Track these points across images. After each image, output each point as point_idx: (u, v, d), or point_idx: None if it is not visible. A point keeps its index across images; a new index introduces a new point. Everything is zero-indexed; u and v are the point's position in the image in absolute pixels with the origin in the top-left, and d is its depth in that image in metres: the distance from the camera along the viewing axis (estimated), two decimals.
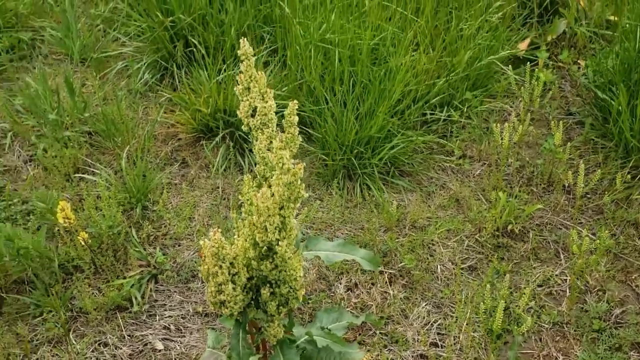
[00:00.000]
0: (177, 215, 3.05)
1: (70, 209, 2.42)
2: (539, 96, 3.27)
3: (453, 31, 3.68)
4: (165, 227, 3.00)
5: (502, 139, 2.99)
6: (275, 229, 1.50)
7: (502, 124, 3.26)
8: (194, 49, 3.68)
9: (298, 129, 2.03)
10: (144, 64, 3.77)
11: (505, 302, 2.56)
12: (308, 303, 2.64)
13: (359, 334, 2.52)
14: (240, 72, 1.95)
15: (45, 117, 3.44)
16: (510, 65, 3.65)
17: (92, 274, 2.76)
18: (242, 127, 1.97)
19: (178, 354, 2.46)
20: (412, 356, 2.45)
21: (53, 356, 2.44)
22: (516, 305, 2.52)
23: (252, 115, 1.99)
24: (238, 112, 1.97)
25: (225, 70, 3.56)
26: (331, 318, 2.14)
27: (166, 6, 3.79)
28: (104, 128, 3.35)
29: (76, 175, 3.20)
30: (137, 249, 2.83)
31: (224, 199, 3.20)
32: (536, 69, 3.62)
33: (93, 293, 2.69)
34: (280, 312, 1.69)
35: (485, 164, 3.38)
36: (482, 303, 2.35)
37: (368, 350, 2.44)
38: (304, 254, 2.17)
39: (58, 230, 2.83)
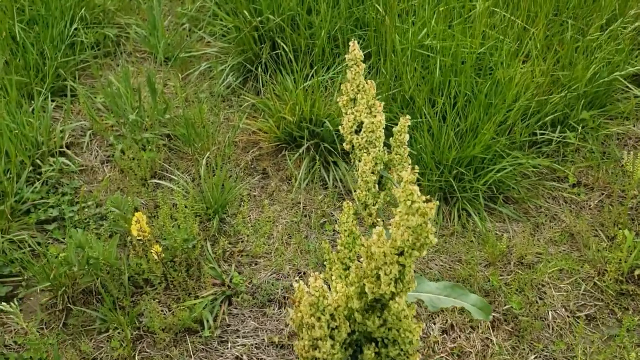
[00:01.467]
0: (255, 231, 2.81)
1: (146, 221, 2.21)
2: None
3: (570, 42, 3.27)
4: (242, 242, 2.76)
5: (633, 168, 2.58)
6: (392, 280, 1.20)
7: (625, 150, 2.84)
8: (281, 52, 3.44)
9: (408, 149, 1.73)
10: (228, 66, 3.57)
11: None
12: None
13: None
14: (347, 80, 1.68)
15: (125, 117, 3.29)
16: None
17: (163, 290, 2.55)
18: (344, 144, 1.70)
19: None
20: None
21: None
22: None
23: (357, 132, 1.71)
24: (340, 128, 1.69)
25: (313, 75, 3.31)
26: None
27: (255, 6, 3.57)
28: (183, 132, 3.15)
29: (153, 180, 3.02)
30: (211, 266, 2.60)
31: (305, 215, 2.94)
32: None
33: (162, 311, 2.47)
34: None
35: (603, 194, 2.96)
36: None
37: None
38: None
39: (131, 240, 2.64)
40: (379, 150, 1.67)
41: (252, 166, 3.21)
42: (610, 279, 2.50)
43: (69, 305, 2.49)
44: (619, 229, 2.66)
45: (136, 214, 2.21)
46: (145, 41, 3.91)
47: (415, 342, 1.28)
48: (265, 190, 3.08)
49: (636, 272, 2.49)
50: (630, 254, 2.48)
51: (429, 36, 3.27)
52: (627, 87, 3.23)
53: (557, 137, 3.07)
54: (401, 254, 1.18)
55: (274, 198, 3.03)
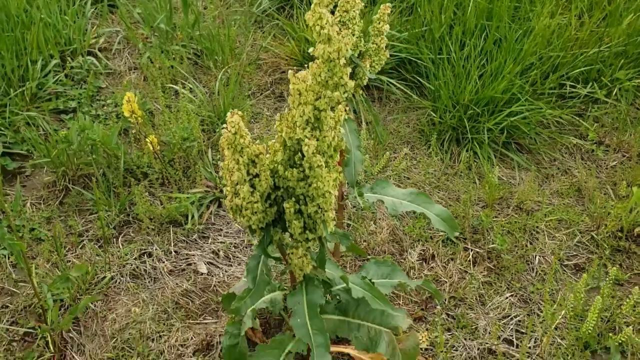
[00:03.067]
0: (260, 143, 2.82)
1: (138, 107, 2.26)
2: None
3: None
4: None
5: None
6: (307, 123, 1.17)
7: None
8: None
9: (386, 40, 1.69)
10: None
11: (610, 314, 2.05)
12: (368, 258, 2.29)
13: (422, 309, 2.13)
14: None
15: (157, 27, 3.35)
16: None
17: (160, 185, 2.61)
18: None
19: (219, 282, 2.23)
20: (478, 348, 2.02)
21: (96, 255, 2.32)
22: (624, 320, 2.00)
23: (332, 13, 1.67)
24: (313, 5, 1.66)
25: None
26: (380, 272, 1.79)
27: None
28: (208, 45, 3.19)
29: (171, 85, 3.08)
30: (208, 170, 2.64)
31: None
32: None
33: (154, 203, 2.53)
34: (307, 239, 1.38)
35: (625, 156, 2.79)
36: (576, 301, 1.87)
37: (427, 329, 2.05)
38: (366, 195, 1.84)
39: (135, 133, 2.71)
40: (353, 34, 1.62)
41: (271, 88, 3.22)
42: (608, 234, 2.37)
43: (68, 185, 2.59)
44: (630, 187, 2.51)
45: (127, 93, 2.26)
46: None
47: (328, 196, 1.25)
48: (278, 111, 3.08)
49: (636, 230, 2.35)
50: (634, 210, 2.34)
51: None
52: None
53: (586, 92, 2.91)
54: (319, 98, 1.16)
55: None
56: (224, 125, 1.20)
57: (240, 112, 1.20)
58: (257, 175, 1.29)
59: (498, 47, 2.94)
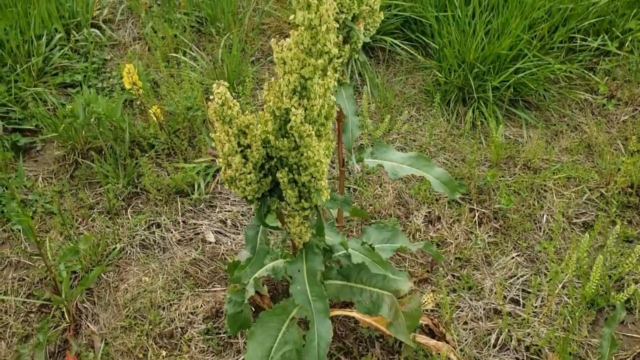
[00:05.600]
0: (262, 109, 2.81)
1: (139, 77, 2.26)
2: None
3: None
4: None
5: None
6: (294, 93, 1.17)
7: None
8: None
9: (380, 1, 1.65)
10: None
11: (618, 273, 2.04)
12: (371, 222, 2.30)
13: (427, 271, 2.15)
14: None
15: None
16: None
17: (166, 156, 2.63)
18: None
19: (227, 250, 2.27)
20: (484, 308, 2.03)
21: (106, 227, 2.36)
22: (632, 278, 1.99)
23: None
24: None
25: None
26: (381, 237, 1.79)
27: None
28: (209, 12, 3.16)
29: (173, 55, 3.07)
30: (212, 138, 2.64)
31: None
32: None
33: (161, 173, 2.56)
34: (304, 208, 1.38)
35: (637, 110, 2.73)
36: (581, 258, 1.86)
37: (433, 290, 2.07)
38: (366, 160, 1.83)
39: (140, 103, 2.72)
40: None
41: None
42: (618, 190, 2.34)
43: (78, 159, 2.62)
44: None
45: (127, 65, 2.26)
46: None
47: (319, 165, 1.25)
48: None
49: None
50: None
51: None
52: None
53: (596, 45, 2.84)
54: (304, 67, 1.15)
55: None
56: (211, 97, 1.20)
57: (226, 83, 1.19)
58: (248, 146, 1.29)
59: (505, 1, 2.87)
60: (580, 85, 2.84)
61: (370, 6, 1.65)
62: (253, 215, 2.32)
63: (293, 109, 1.15)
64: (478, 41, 2.73)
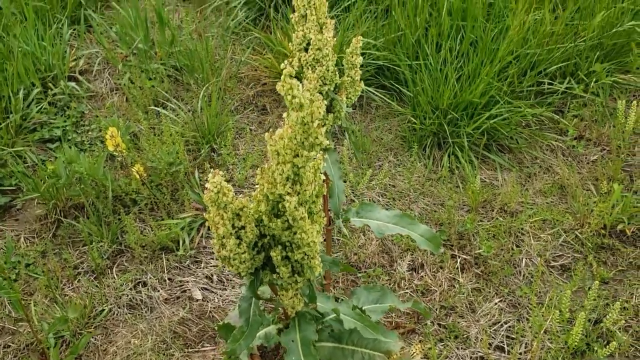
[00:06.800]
0: (245, 161, 2.85)
1: (120, 137, 2.28)
2: None
3: None
4: (229, 172, 2.82)
5: (626, 119, 2.46)
6: (287, 180, 1.21)
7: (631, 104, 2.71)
8: None
9: (360, 72, 1.72)
10: (240, 2, 3.57)
11: (597, 315, 2.11)
12: (358, 275, 2.34)
13: (414, 322, 2.19)
14: None
15: (136, 46, 3.36)
16: None
17: (149, 211, 2.64)
18: (292, 62, 1.69)
19: (215, 307, 2.28)
20: (471, 357, 2.08)
21: (92, 287, 2.35)
22: (610, 321, 2.06)
23: (306, 50, 1.70)
24: (290, 45, 1.69)
25: None
26: (371, 297, 1.84)
27: None
28: (187, 63, 3.20)
29: (153, 107, 3.09)
30: (195, 192, 2.67)
31: None
32: None
33: (145, 230, 2.57)
34: (296, 282, 1.42)
35: (604, 150, 2.85)
36: (563, 309, 1.93)
37: (420, 341, 2.11)
38: (352, 220, 1.88)
39: (122, 160, 2.74)
40: (328, 70, 1.65)
41: (253, 102, 3.24)
42: (591, 232, 2.43)
43: (60, 218, 2.62)
44: (610, 182, 2.57)
45: (110, 128, 2.28)
46: None
47: (312, 245, 1.29)
48: (262, 126, 3.11)
49: (619, 227, 2.41)
50: (616, 208, 2.40)
51: None
52: None
53: (563, 89, 2.96)
54: (297, 156, 1.20)
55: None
56: (207, 185, 1.24)
57: (221, 172, 1.23)
58: (242, 227, 1.33)
59: (474, 49, 2.97)
60: (551, 128, 2.94)
61: (351, 77, 1.72)
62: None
63: (287, 197, 1.20)
64: (450, 88, 2.82)
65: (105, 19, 3.71)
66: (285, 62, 1.08)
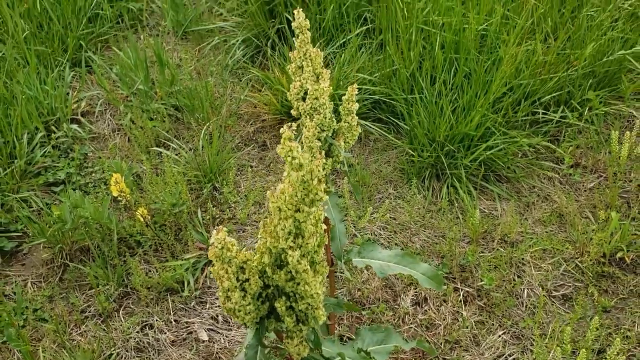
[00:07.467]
0: (247, 198, 2.89)
1: (124, 182, 2.32)
2: None
3: (582, 19, 3.17)
4: (231, 210, 2.86)
5: (620, 146, 2.51)
6: (289, 234, 1.25)
7: (625, 131, 2.75)
8: (288, 28, 3.48)
9: (357, 118, 1.77)
10: (238, 40, 3.64)
11: (600, 345, 2.13)
12: (362, 312, 2.37)
13: (419, 356, 2.21)
14: (295, 47, 1.72)
15: (137, 87, 3.42)
16: None
17: (153, 252, 2.68)
18: (292, 111, 1.74)
19: (221, 348, 2.30)
20: None
21: (100, 331, 2.38)
22: (615, 352, 2.08)
23: (304, 99, 1.75)
24: (288, 95, 1.74)
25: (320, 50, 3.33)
26: (375, 339, 1.86)
27: None
28: (187, 102, 3.26)
29: (155, 148, 3.14)
30: (199, 231, 2.71)
31: None
32: None
33: (150, 271, 2.60)
34: (301, 330, 1.45)
35: (601, 177, 2.89)
36: (565, 342, 1.95)
37: None
38: (354, 260, 1.92)
39: (125, 203, 2.78)
40: (325, 118, 1.70)
41: (253, 138, 3.29)
42: (591, 261, 2.46)
43: (66, 262, 2.65)
44: (608, 210, 2.60)
45: (114, 174, 2.33)
46: (166, 15, 4.03)
47: (316, 296, 1.32)
48: (262, 162, 3.16)
49: (618, 255, 2.44)
50: (614, 236, 2.43)
51: (434, 12, 3.24)
52: (637, 67, 3.10)
53: (558, 118, 3.01)
54: (298, 210, 1.23)
55: (270, 169, 3.11)
56: (211, 241, 1.28)
57: (225, 229, 1.27)
58: (247, 280, 1.36)
59: (468, 81, 3.03)
60: (547, 156, 2.99)
61: (349, 123, 1.77)
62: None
63: (290, 251, 1.23)
64: (446, 120, 2.87)
65: (105, 60, 3.78)
66: (285, 126, 1.13)
